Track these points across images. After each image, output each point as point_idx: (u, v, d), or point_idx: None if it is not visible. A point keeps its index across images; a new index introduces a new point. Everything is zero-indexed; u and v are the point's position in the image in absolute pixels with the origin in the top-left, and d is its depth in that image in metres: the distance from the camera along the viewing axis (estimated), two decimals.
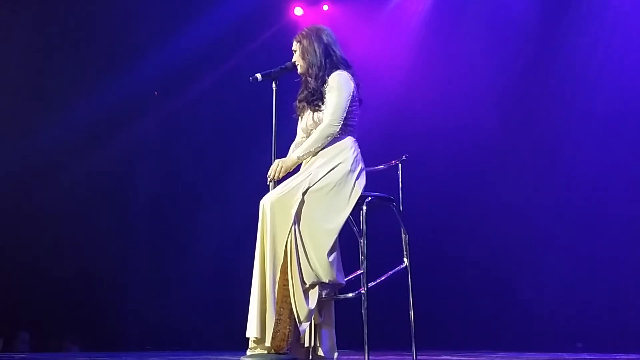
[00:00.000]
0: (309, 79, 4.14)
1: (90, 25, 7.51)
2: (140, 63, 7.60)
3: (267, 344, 3.79)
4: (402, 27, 7.80)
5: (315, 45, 4.13)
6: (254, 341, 3.86)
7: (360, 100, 4.17)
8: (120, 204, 7.70)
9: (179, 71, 7.74)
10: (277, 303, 3.82)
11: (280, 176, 4.09)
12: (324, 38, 4.15)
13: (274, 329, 3.79)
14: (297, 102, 4.25)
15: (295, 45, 4.21)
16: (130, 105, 7.59)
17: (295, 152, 4.15)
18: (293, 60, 4.21)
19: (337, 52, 4.16)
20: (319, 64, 4.11)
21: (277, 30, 7.93)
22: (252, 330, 3.80)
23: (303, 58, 4.15)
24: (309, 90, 4.15)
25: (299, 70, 4.20)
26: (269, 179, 4.09)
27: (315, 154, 4.08)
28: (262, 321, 3.80)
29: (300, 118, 4.26)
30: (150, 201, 7.88)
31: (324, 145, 4.06)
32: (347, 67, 4.16)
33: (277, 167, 4.07)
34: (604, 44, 7.11)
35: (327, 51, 4.13)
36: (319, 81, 4.10)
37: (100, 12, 7.54)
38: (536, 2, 7.44)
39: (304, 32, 4.21)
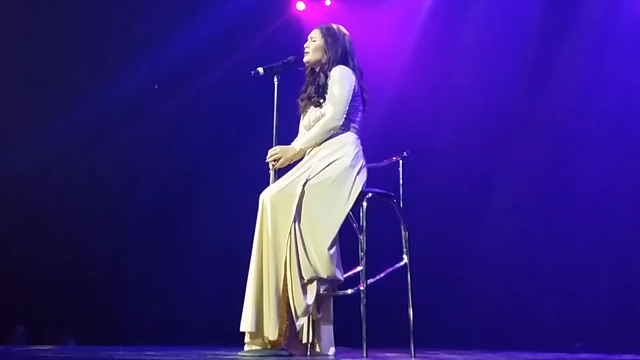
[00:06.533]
0: (321, 73, 4.15)
1: (90, 23, 7.49)
2: (142, 60, 7.59)
3: (271, 337, 3.78)
4: (404, 22, 7.79)
5: (341, 47, 4.18)
6: (250, 336, 3.86)
7: (364, 102, 4.18)
8: (119, 199, 7.69)
9: (181, 67, 7.72)
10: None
11: (279, 166, 4.10)
12: (348, 45, 4.22)
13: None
14: (300, 99, 4.26)
15: (317, 35, 4.21)
16: (131, 102, 7.57)
17: (296, 142, 4.16)
18: (306, 46, 4.22)
19: (355, 60, 4.22)
20: (335, 63, 4.13)
21: (280, 25, 7.92)
22: (246, 325, 3.80)
23: (324, 51, 4.16)
24: (315, 85, 4.15)
25: (310, 58, 4.19)
26: (270, 165, 4.09)
27: (317, 147, 4.09)
28: (259, 315, 3.80)
29: (302, 116, 4.26)
30: (150, 196, 7.87)
31: (325, 139, 4.07)
32: (360, 75, 4.18)
33: (274, 152, 4.09)
34: (609, 44, 7.09)
35: (346, 57, 4.18)
36: (324, 77, 4.12)
37: (101, 10, 7.52)
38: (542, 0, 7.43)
39: (332, 29, 4.25)
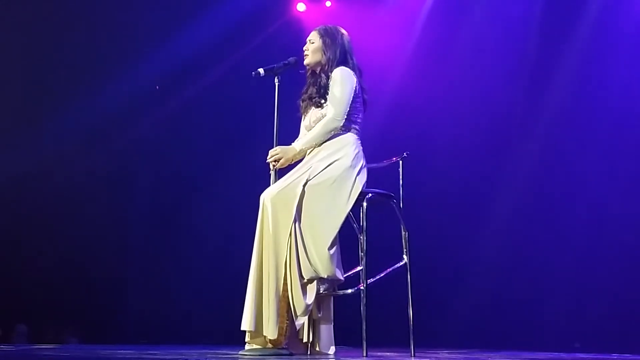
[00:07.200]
0: (322, 74, 4.16)
1: (90, 23, 7.49)
2: (142, 60, 7.59)
3: (271, 337, 3.80)
4: (405, 23, 7.79)
5: (339, 47, 4.19)
6: (250, 335, 3.88)
7: (364, 102, 4.19)
8: (119, 199, 7.69)
9: (181, 68, 7.73)
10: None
11: (280, 166, 4.12)
12: (346, 44, 4.23)
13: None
14: (301, 100, 4.27)
15: (315, 37, 4.22)
16: (131, 102, 7.57)
17: (297, 143, 4.18)
18: (305, 48, 4.23)
19: (354, 59, 4.22)
20: (334, 63, 4.14)
21: (280, 26, 7.93)
22: (245, 323, 3.82)
23: (323, 52, 4.17)
24: (316, 86, 4.17)
25: (309, 60, 4.20)
26: (270, 166, 4.11)
27: (317, 147, 4.10)
28: (258, 315, 3.82)
29: (303, 117, 4.28)
30: (150, 196, 7.88)
31: (326, 140, 4.08)
32: (359, 74, 4.19)
33: (275, 152, 4.10)
34: (609, 44, 7.10)
35: (345, 56, 4.19)
36: (325, 78, 4.13)
37: (101, 10, 7.52)
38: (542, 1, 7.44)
39: (330, 29, 4.26)
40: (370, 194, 4.08)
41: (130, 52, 7.62)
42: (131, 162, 7.82)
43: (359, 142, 4.15)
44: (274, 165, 4.14)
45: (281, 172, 4.15)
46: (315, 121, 4.15)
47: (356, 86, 4.13)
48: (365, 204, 4.04)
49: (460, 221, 7.36)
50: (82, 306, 7.16)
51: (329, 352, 4.02)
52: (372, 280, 4.05)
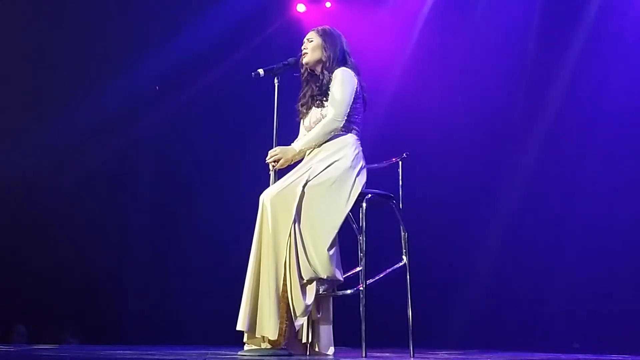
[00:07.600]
0: (325, 71, 4.15)
1: (90, 23, 7.49)
2: (142, 60, 7.60)
3: (271, 337, 3.80)
4: (404, 24, 7.80)
5: (339, 45, 4.20)
6: (248, 336, 3.88)
7: (364, 102, 4.19)
8: (120, 199, 7.70)
9: (181, 68, 7.73)
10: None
11: (280, 167, 4.12)
12: (345, 44, 4.25)
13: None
14: (300, 105, 4.26)
15: (314, 35, 4.22)
16: (132, 102, 7.59)
17: (296, 143, 4.17)
18: (303, 47, 4.22)
19: (352, 59, 4.24)
20: (335, 61, 4.14)
21: (280, 26, 7.93)
22: (240, 324, 3.81)
23: (324, 49, 4.17)
24: (318, 85, 4.17)
25: (309, 58, 4.19)
26: (270, 166, 4.11)
27: (317, 148, 4.10)
28: (253, 315, 3.81)
29: (302, 120, 4.27)
30: (150, 196, 7.88)
31: (326, 140, 4.08)
32: (357, 73, 4.19)
33: (274, 153, 4.10)
34: (610, 44, 7.11)
35: (344, 56, 4.21)
36: (327, 75, 4.13)
37: (101, 10, 7.53)
38: (542, 2, 7.44)
39: (328, 29, 4.27)
40: (369, 195, 4.08)
41: (130, 52, 7.62)
42: (131, 162, 7.83)
43: (359, 142, 4.15)
44: (273, 166, 4.13)
45: (281, 173, 4.14)
46: (315, 122, 4.14)
47: (357, 87, 4.13)
48: (364, 204, 4.03)
49: (460, 222, 7.37)
50: (82, 306, 7.16)
51: (328, 353, 4.02)
52: (371, 280, 4.05)
